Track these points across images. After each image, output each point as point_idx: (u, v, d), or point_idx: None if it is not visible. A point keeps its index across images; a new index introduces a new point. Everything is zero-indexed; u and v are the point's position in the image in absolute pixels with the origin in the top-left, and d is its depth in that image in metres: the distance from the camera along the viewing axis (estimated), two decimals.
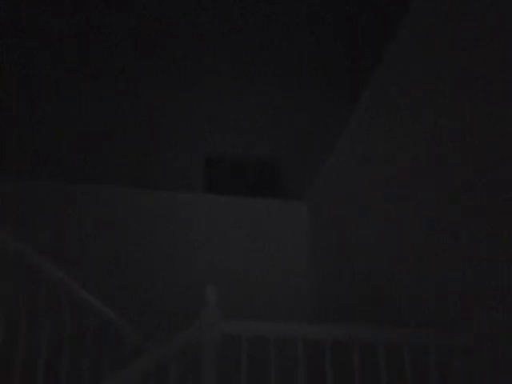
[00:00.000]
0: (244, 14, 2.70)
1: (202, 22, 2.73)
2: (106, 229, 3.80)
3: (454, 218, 2.17)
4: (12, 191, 3.77)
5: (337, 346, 3.25)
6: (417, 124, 2.52)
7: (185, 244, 3.84)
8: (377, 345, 2.73)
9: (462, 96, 2.17)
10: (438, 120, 2.35)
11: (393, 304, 2.62)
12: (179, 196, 3.96)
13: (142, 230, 3.83)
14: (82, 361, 3.35)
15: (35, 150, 3.59)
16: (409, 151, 2.57)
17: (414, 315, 2.41)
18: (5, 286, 2.32)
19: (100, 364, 3.36)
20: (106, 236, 3.78)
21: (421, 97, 2.50)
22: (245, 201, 4.02)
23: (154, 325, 3.59)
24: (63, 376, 2.54)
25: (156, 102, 3.23)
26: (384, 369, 1.87)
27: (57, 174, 3.80)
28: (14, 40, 2.79)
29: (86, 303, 2.68)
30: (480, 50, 1.93)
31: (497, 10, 1.84)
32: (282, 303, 3.78)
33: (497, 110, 1.82)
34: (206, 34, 2.80)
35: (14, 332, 3.28)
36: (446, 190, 2.24)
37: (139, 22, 2.73)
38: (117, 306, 3.61)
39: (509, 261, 1.83)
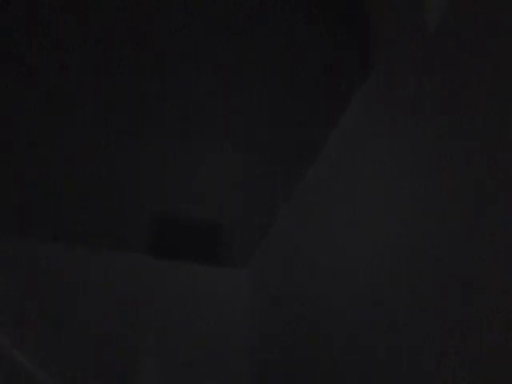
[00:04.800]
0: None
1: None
2: (39, 290, 3.71)
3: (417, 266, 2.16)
4: None
5: None
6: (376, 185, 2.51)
7: (119, 309, 3.76)
8: None
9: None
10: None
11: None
12: (117, 257, 3.88)
13: (77, 293, 3.73)
14: None
15: None
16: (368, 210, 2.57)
17: None
18: None
19: None
20: (39, 297, 3.69)
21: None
22: (186, 266, 3.96)
23: None
24: None
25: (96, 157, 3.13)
26: None
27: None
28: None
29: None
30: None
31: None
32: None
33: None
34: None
35: None
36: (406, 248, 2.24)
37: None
38: (51, 362, 3.54)
39: None
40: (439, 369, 1.90)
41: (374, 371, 2.29)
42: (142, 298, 3.78)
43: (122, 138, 2.97)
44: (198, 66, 2.75)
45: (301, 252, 3.13)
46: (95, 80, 2.81)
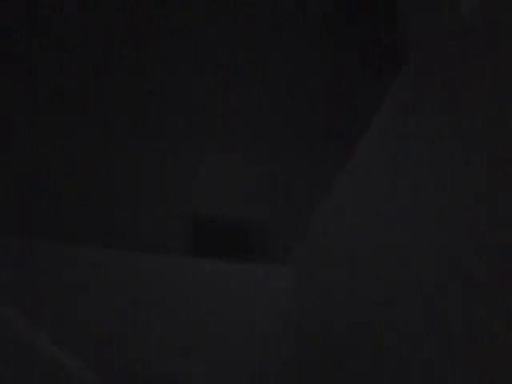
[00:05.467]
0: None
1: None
2: (81, 293, 3.73)
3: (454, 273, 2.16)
4: None
5: None
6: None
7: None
8: None
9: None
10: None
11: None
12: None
13: (120, 295, 3.75)
14: None
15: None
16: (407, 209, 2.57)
17: None
18: None
19: None
20: (81, 301, 3.71)
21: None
22: (227, 266, 3.95)
23: None
24: None
25: (140, 161, 3.18)
26: None
27: (26, 231, 3.70)
28: None
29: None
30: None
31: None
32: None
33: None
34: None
35: None
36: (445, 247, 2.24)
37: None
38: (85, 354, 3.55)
39: None
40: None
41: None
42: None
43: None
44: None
45: (341, 250, 3.12)
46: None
